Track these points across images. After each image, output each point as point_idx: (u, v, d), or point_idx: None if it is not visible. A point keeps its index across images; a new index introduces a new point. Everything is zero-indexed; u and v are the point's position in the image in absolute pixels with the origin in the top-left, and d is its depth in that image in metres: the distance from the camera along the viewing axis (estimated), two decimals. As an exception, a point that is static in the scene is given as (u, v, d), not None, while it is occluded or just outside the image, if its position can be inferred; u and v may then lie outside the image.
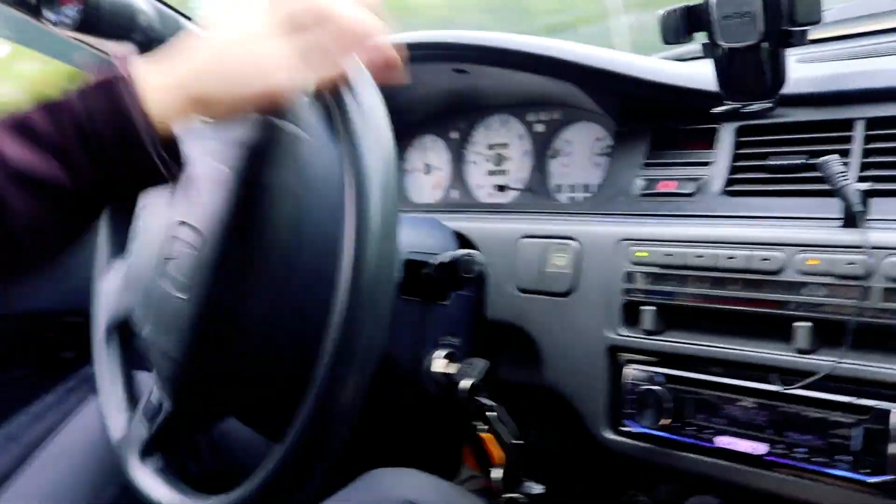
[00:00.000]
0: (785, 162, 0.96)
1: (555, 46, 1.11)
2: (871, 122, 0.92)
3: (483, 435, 1.04)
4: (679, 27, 0.91)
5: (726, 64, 0.89)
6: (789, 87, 0.96)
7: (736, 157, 1.01)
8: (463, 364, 1.05)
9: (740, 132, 1.01)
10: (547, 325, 1.03)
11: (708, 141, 1.04)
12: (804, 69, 1.01)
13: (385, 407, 1.11)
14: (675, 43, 0.92)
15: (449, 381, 1.05)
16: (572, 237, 1.02)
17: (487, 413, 1.01)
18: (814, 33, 1.25)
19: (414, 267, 1.01)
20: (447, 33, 1.16)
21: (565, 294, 1.01)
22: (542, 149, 1.29)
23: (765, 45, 0.84)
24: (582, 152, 1.25)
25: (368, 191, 0.75)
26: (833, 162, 0.82)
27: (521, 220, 1.11)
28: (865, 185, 0.82)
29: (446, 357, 1.06)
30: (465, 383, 1.02)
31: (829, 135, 0.95)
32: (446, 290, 1.02)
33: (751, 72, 0.88)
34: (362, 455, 0.95)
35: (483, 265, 0.93)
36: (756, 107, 0.90)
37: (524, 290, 1.06)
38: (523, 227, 1.08)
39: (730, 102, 0.91)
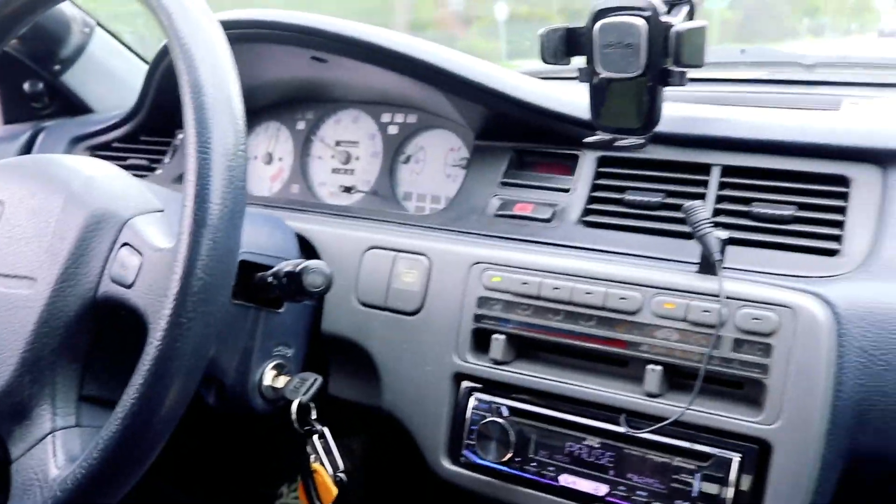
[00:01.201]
0: (643, 198, 0.95)
1: (428, 49, 1.04)
2: (727, 170, 0.93)
3: (315, 467, 0.96)
4: (559, 48, 0.87)
5: (601, 93, 0.86)
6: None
7: (595, 188, 0.99)
8: (294, 378, 0.98)
9: (601, 162, 1.00)
10: (389, 345, 0.97)
11: (568, 167, 1.02)
12: (668, 108, 1.01)
13: (206, 419, 1.01)
14: (554, 64, 0.88)
15: (277, 396, 0.97)
16: (424, 253, 0.96)
17: (314, 439, 0.94)
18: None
19: (249, 269, 0.92)
20: (313, 18, 1.07)
21: (412, 313, 0.95)
22: (394, 152, 1.23)
23: (643, 79, 0.82)
24: (435, 161, 1.20)
25: (210, 176, 0.68)
26: (698, 208, 0.82)
27: (368, 228, 1.04)
28: (724, 234, 0.82)
29: (275, 369, 0.98)
30: (294, 401, 0.95)
31: (687, 177, 0.95)
32: (284, 299, 0.94)
33: (625, 105, 0.85)
34: (173, 469, 0.86)
35: (331, 278, 0.86)
36: (627, 142, 0.88)
37: (367, 305, 0.99)
38: (371, 236, 1.01)
39: (601, 133, 0.89)
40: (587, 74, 0.86)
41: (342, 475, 0.97)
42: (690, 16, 0.91)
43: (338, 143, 1.29)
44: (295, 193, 1.31)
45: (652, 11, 0.81)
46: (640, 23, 0.80)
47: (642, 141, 0.87)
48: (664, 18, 0.82)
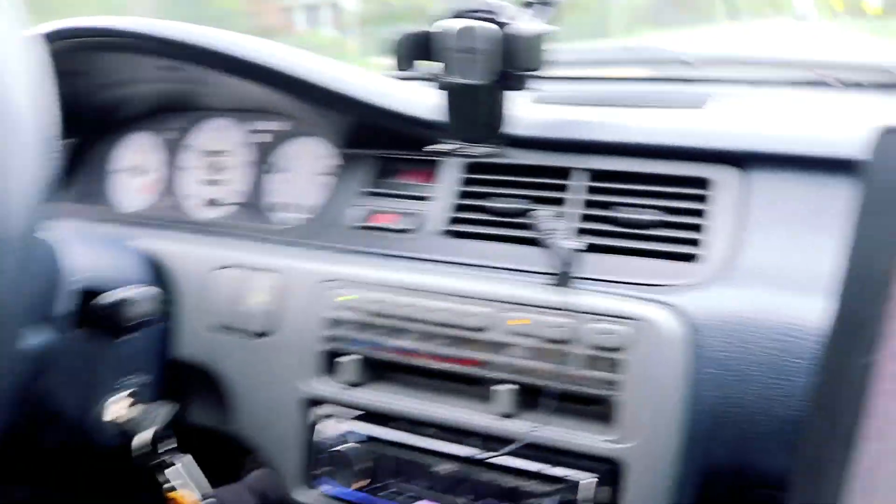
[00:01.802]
0: (506, 205, 0.91)
1: (275, 53, 0.98)
2: (593, 174, 0.90)
3: (173, 496, 0.91)
4: (411, 54, 0.83)
5: (453, 98, 0.82)
6: (519, 129, 0.91)
7: (459, 195, 0.95)
8: (147, 407, 0.92)
9: (465, 169, 0.95)
10: (240, 368, 0.92)
11: (433, 174, 0.98)
12: (537, 110, 0.97)
13: (46, 462, 0.95)
14: (407, 69, 0.83)
15: (127, 428, 0.91)
16: (275, 270, 0.91)
17: (168, 470, 0.88)
18: (555, 71, 1.25)
19: (89, 298, 0.86)
20: (148, 23, 1.01)
21: (262, 335, 0.90)
22: (263, 162, 1.17)
23: (491, 85, 0.78)
24: (304, 170, 1.14)
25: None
26: (545, 217, 0.78)
27: (221, 245, 0.98)
28: (576, 244, 0.78)
29: (125, 398, 0.92)
30: (145, 434, 0.89)
31: (551, 181, 0.91)
32: (113, 330, 0.88)
33: (477, 110, 0.81)
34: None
35: (148, 309, 0.80)
36: (481, 151, 0.83)
37: (218, 328, 0.93)
38: (223, 254, 0.95)
39: (452, 140, 0.85)
40: (439, 80, 0.82)
41: (212, 499, 0.92)
42: (553, 17, 0.88)
43: (207, 153, 1.23)
44: (164, 206, 1.24)
45: (498, 15, 0.77)
46: (487, 27, 0.76)
47: (493, 149, 0.83)
48: (513, 21, 0.79)
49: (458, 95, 0.82)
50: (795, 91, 1.15)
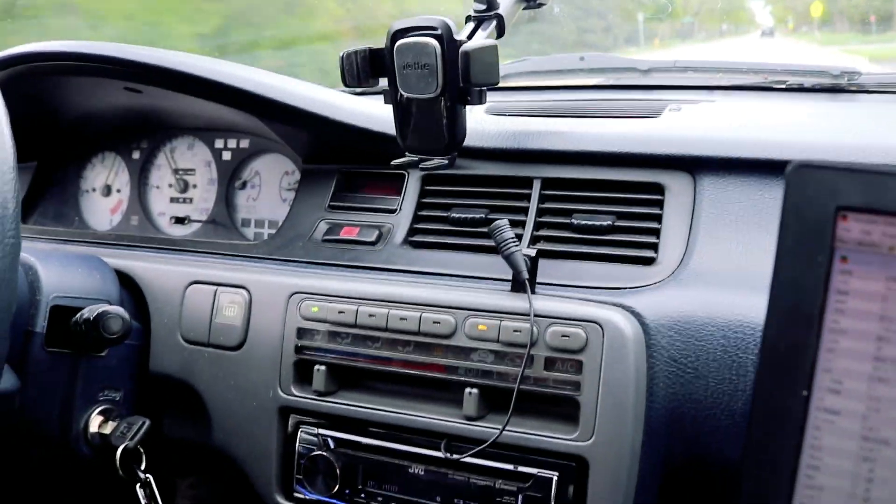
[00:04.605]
0: (466, 216, 0.94)
1: (230, 73, 1.00)
2: (547, 182, 0.93)
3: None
4: (361, 71, 0.86)
5: (405, 114, 0.85)
6: (475, 140, 0.94)
7: (420, 206, 0.98)
8: (122, 422, 0.94)
9: (426, 181, 0.98)
10: (215, 381, 0.94)
11: (395, 187, 1.01)
12: (492, 122, 1.00)
13: (24, 477, 0.96)
14: (357, 86, 0.86)
15: (104, 442, 0.93)
16: (244, 286, 0.93)
17: (138, 488, 0.90)
18: (507, 82, 1.28)
19: (64, 315, 0.88)
20: (108, 46, 1.02)
21: (235, 348, 0.92)
22: (230, 178, 1.19)
23: (442, 99, 0.81)
24: (270, 186, 1.17)
25: None
26: (502, 227, 0.81)
27: (192, 262, 1.00)
28: (533, 251, 0.81)
29: (101, 414, 0.94)
30: (121, 448, 0.91)
31: (509, 191, 0.94)
32: (88, 346, 0.89)
33: (428, 124, 0.84)
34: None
35: (128, 323, 0.83)
36: (432, 163, 0.86)
37: (191, 342, 0.95)
38: (194, 270, 0.98)
39: (409, 154, 0.88)
40: (390, 95, 0.85)
41: None
42: (500, 30, 0.91)
43: (175, 171, 1.25)
44: (134, 224, 1.26)
45: (444, 31, 0.80)
46: (434, 43, 0.79)
47: (446, 161, 0.86)
48: (462, 37, 0.82)
49: (410, 110, 0.85)
50: (746, 96, 1.20)
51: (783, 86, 1.18)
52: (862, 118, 1.06)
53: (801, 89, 1.17)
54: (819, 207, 0.49)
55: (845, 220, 0.48)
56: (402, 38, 0.81)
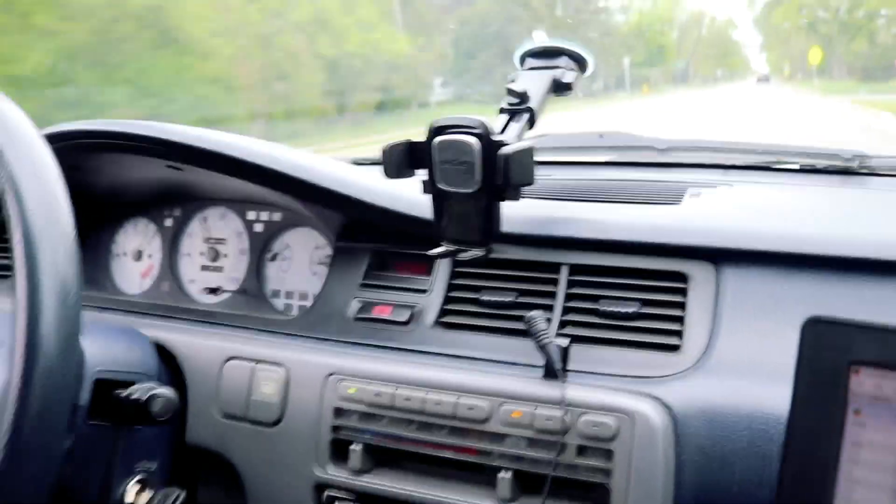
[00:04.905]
0: (496, 298, 0.97)
1: (265, 153, 1.04)
2: (575, 269, 0.97)
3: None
4: (402, 162, 0.90)
5: (442, 206, 0.89)
6: (505, 225, 0.98)
7: (451, 287, 1.01)
8: (158, 493, 0.96)
9: (456, 262, 1.02)
10: (252, 456, 0.96)
11: (427, 267, 1.04)
12: (522, 206, 1.04)
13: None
14: (397, 177, 0.91)
15: (139, 513, 0.95)
16: (281, 363, 0.97)
17: None
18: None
19: (106, 388, 0.91)
20: (155, 127, 1.07)
21: (272, 424, 0.95)
22: (261, 249, 1.23)
23: (480, 195, 0.85)
24: (302, 258, 1.20)
25: (40, 291, 0.67)
26: (538, 318, 0.84)
27: (229, 337, 1.04)
28: (565, 341, 0.85)
29: (138, 484, 0.96)
30: (156, 520, 0.93)
31: (539, 275, 0.98)
32: (134, 424, 0.92)
33: (465, 218, 0.88)
34: None
35: (175, 403, 0.86)
36: (469, 255, 0.90)
37: (229, 416, 0.98)
38: (231, 346, 1.01)
39: (445, 245, 0.91)
40: (428, 187, 0.89)
41: None
42: (531, 122, 0.95)
43: (206, 240, 1.28)
44: (165, 291, 1.29)
45: (483, 130, 0.84)
46: (474, 141, 0.83)
47: (482, 253, 0.90)
48: (496, 128, 0.86)
49: (447, 202, 0.89)
50: (759, 176, 1.25)
51: (796, 167, 1.22)
52: (874, 205, 1.11)
53: (813, 171, 1.22)
54: (832, 361, 0.52)
55: (857, 375, 0.51)
56: (442, 134, 0.86)
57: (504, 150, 0.82)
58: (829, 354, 0.52)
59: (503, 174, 0.82)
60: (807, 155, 1.25)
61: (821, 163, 1.22)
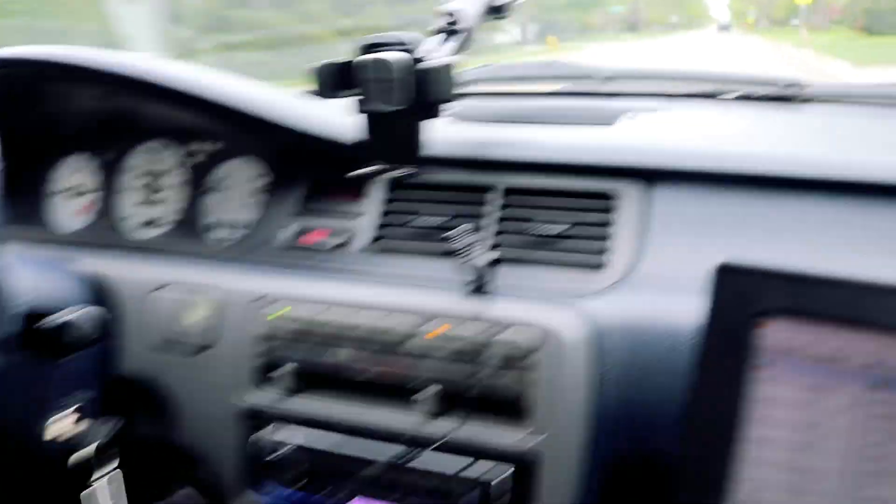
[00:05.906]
0: (429, 221, 0.97)
1: (201, 79, 1.03)
2: (508, 190, 0.96)
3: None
4: (335, 82, 0.89)
5: (372, 125, 0.88)
6: (441, 148, 0.97)
7: (386, 213, 1.01)
8: (92, 423, 0.96)
9: (391, 187, 1.01)
10: (182, 384, 0.97)
11: (360, 192, 1.04)
12: (455, 128, 1.04)
13: None
14: (331, 97, 0.90)
15: (71, 444, 0.95)
16: (209, 290, 0.96)
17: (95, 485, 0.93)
18: (474, 87, 1.32)
19: (34, 320, 0.90)
20: (83, 53, 1.04)
21: (199, 351, 0.95)
22: (198, 182, 1.21)
23: (404, 113, 0.84)
24: (240, 189, 1.19)
25: None
26: (462, 234, 0.84)
27: (158, 266, 1.03)
28: (490, 257, 0.85)
29: (73, 414, 0.96)
30: (88, 449, 0.93)
31: (472, 197, 0.98)
32: (57, 352, 0.92)
33: (393, 137, 0.88)
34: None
35: (96, 328, 0.85)
36: (396, 173, 0.90)
37: (158, 345, 0.98)
38: (160, 275, 1.00)
39: (374, 162, 0.91)
40: (359, 106, 0.88)
41: None
42: (466, 44, 0.95)
43: (145, 174, 1.26)
44: (102, 227, 1.28)
45: (407, 47, 0.83)
46: (393, 59, 0.82)
47: (410, 172, 0.90)
48: (424, 52, 0.85)
49: (376, 121, 0.88)
50: (699, 103, 1.25)
51: (735, 95, 1.22)
52: (804, 128, 1.11)
53: (751, 98, 1.22)
54: (737, 313, 0.52)
55: (763, 327, 0.51)
56: (369, 52, 0.85)
57: (422, 65, 0.81)
58: (734, 304, 0.52)
59: (421, 90, 0.81)
60: (746, 81, 1.25)
61: (759, 90, 1.22)
